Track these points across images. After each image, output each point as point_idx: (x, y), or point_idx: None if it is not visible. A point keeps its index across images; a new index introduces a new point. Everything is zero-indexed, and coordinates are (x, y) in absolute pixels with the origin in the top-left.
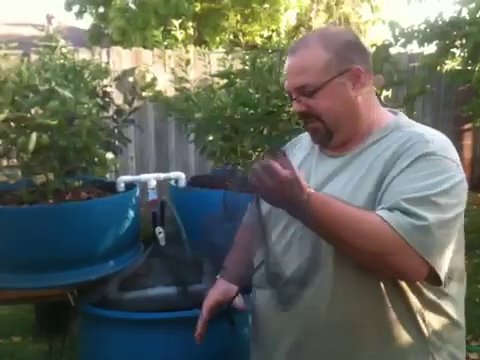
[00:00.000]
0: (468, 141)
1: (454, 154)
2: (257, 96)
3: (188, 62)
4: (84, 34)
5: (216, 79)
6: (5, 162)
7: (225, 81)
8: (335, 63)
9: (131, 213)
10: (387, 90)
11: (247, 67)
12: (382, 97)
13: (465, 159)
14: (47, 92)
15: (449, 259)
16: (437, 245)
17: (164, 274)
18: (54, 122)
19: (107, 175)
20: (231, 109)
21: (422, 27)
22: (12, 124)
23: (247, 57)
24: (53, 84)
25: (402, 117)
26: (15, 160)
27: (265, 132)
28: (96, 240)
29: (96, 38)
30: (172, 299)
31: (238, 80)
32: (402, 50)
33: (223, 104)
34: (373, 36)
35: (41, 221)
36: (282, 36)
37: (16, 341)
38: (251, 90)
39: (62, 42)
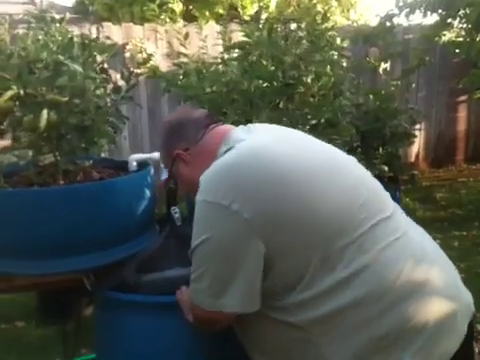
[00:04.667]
0: (462, 113)
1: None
2: (272, 68)
3: (186, 36)
4: (66, 10)
5: (218, 54)
6: (7, 142)
7: (232, 55)
8: (166, 157)
9: (147, 193)
10: (385, 62)
11: (248, 39)
12: (380, 69)
13: (459, 132)
14: (55, 66)
15: None
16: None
17: (182, 255)
18: (65, 98)
19: (102, 155)
20: (247, 82)
21: None
22: (17, 102)
23: (248, 30)
24: (61, 58)
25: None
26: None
27: (281, 105)
28: (112, 222)
29: (82, 15)
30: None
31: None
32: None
33: (236, 77)
34: (362, 10)
35: (53, 204)
36: (271, 10)
37: (20, 326)
38: (265, 62)
39: (57, 17)
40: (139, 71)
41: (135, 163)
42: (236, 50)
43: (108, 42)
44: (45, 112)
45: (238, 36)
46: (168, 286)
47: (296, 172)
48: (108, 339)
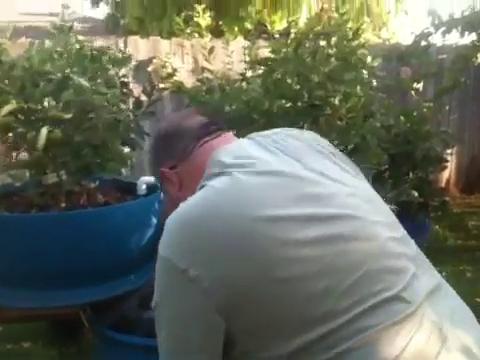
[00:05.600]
0: None
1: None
2: (297, 87)
3: (211, 50)
4: (100, 24)
5: (241, 71)
6: (12, 159)
7: (256, 72)
8: (154, 173)
9: (154, 220)
10: (418, 83)
11: (274, 55)
12: (412, 91)
13: None
14: (60, 79)
15: None
16: None
17: None
18: (68, 115)
19: (123, 171)
20: (268, 101)
21: (465, 13)
22: (20, 117)
23: (275, 46)
24: (67, 71)
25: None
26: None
27: (305, 129)
28: (114, 252)
29: (112, 28)
30: None
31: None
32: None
33: (258, 96)
34: (394, 28)
35: (52, 230)
36: (301, 25)
37: (26, 347)
38: (289, 80)
39: (75, 26)
40: (163, 86)
41: (144, 186)
42: (261, 67)
43: (122, 55)
44: (45, 129)
45: (265, 52)
46: None
47: (276, 239)
48: None
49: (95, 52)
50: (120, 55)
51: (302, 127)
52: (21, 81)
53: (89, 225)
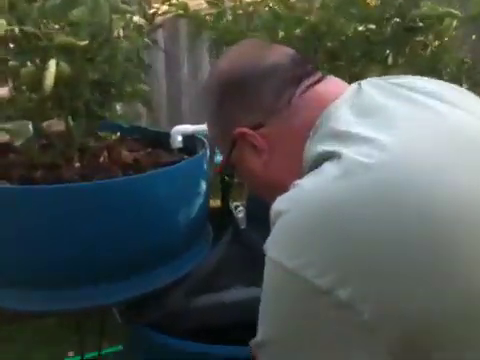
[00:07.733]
0: None
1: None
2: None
3: None
4: None
5: None
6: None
7: None
8: (220, 134)
9: (203, 186)
10: None
11: None
12: None
13: None
14: None
15: None
16: None
17: (245, 269)
18: (84, 42)
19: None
20: (345, 24)
21: None
22: (11, 45)
23: None
24: None
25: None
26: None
27: (389, 61)
28: (152, 235)
29: None
30: (256, 305)
31: None
32: None
33: (328, 16)
34: None
35: (67, 207)
36: None
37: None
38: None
39: None
40: (163, 10)
41: (180, 138)
42: None
43: None
44: (53, 63)
45: None
46: (226, 313)
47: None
48: None
49: None
50: None
51: (387, 58)
52: None
53: (118, 199)
